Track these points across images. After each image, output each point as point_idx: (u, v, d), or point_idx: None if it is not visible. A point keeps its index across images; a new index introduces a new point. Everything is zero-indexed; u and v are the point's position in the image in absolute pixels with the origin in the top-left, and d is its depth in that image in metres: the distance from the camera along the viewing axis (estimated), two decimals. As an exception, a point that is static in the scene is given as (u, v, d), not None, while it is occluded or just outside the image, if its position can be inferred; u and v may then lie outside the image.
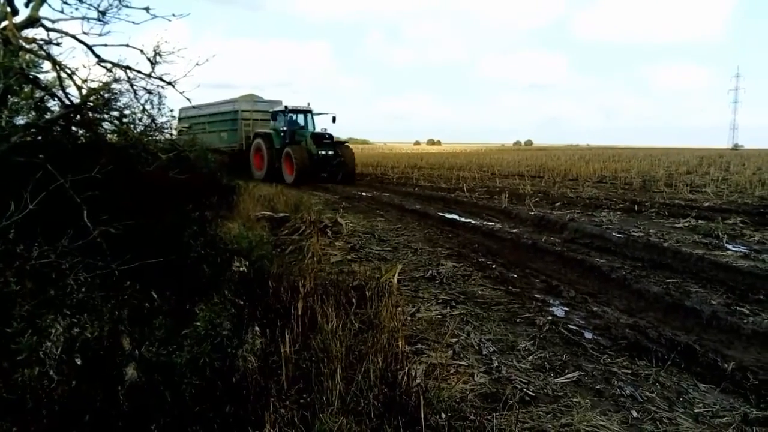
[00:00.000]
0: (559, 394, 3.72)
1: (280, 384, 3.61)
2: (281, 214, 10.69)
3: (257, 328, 3.86)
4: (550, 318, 5.33)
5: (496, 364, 4.17)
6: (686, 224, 11.17)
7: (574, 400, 3.61)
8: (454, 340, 4.63)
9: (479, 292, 6.25)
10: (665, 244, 8.94)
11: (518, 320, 5.31)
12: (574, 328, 5.08)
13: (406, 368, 3.64)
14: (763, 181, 20.28)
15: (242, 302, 4.31)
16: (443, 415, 3.26)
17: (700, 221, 11.43)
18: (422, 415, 3.04)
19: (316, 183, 20.16)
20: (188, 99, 5.87)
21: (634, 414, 3.48)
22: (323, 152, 20.70)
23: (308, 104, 22.44)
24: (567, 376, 4.01)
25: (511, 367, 4.14)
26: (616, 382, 3.94)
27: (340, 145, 21.52)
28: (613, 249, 8.73)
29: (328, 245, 8.45)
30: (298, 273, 6.11)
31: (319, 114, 22.72)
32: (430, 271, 7.07)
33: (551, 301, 5.96)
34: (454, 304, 5.72)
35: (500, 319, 5.32)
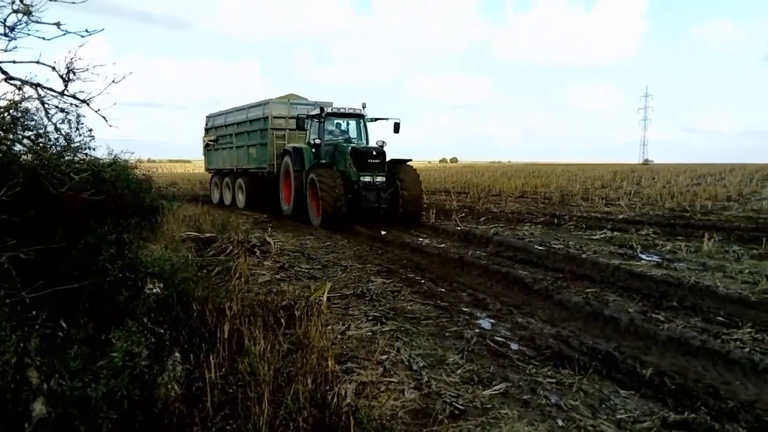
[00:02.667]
0: (488, 406, 3.76)
1: (205, 411, 3.48)
2: (207, 235, 10.40)
3: (178, 355, 3.70)
4: (477, 331, 5.42)
5: (425, 379, 4.18)
6: (602, 236, 11.67)
7: (502, 411, 3.67)
8: (384, 356, 4.62)
9: (408, 307, 6.28)
10: (584, 256, 9.31)
11: (447, 334, 5.36)
12: (501, 339, 5.18)
13: (336, 388, 3.59)
14: (673, 194, 21.52)
15: (162, 328, 4.14)
16: (374, 434, 3.23)
17: (615, 233, 11.98)
18: (353, 436, 3.00)
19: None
20: (104, 117, 5.61)
21: (560, 423, 3.56)
22: (368, 178, 13.41)
23: (363, 106, 14.98)
24: (495, 387, 4.07)
25: (440, 381, 4.17)
26: (541, 391, 4.04)
27: (396, 167, 13.89)
28: (535, 261, 9.01)
29: (257, 265, 8.28)
30: (225, 294, 5.95)
31: (375, 120, 15.33)
32: (360, 288, 7.05)
33: (478, 314, 6.06)
34: (384, 320, 5.71)
35: (429, 333, 5.35)
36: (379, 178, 13.52)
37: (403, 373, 4.31)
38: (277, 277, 7.53)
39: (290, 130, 16.68)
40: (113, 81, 5.56)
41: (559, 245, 10.22)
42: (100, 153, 11.16)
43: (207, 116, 21.45)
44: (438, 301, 6.52)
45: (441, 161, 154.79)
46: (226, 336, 4.46)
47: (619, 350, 4.86)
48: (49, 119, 5.67)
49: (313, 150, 14.44)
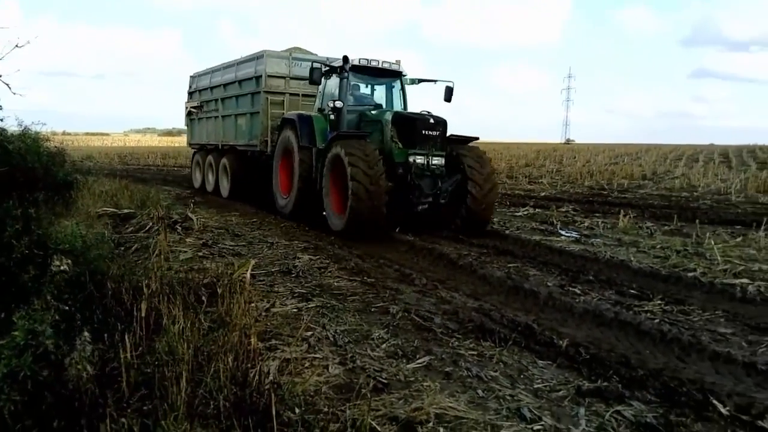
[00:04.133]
0: (411, 379, 3.81)
1: (120, 392, 3.34)
2: (125, 211, 9.97)
3: (87, 334, 3.53)
4: (403, 306, 5.46)
5: (350, 354, 4.18)
6: (525, 213, 12.04)
7: (425, 384, 3.72)
8: (309, 333, 4.58)
9: (335, 283, 6.26)
10: (507, 232, 9.57)
11: (373, 309, 5.38)
12: (426, 314, 5.24)
13: (258, 366, 3.53)
14: (592, 173, 22.42)
15: (72, 307, 3.93)
16: (297, 410, 3.20)
17: (537, 210, 12.38)
18: (274, 413, 2.96)
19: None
20: (7, 84, 5.24)
21: (480, 393, 3.65)
22: (420, 159, 9.33)
23: (396, 62, 10.99)
24: (418, 361, 4.12)
25: (365, 356, 4.18)
26: (463, 363, 4.12)
27: (460, 148, 9.79)
28: (460, 237, 9.16)
29: (178, 242, 8.02)
30: (143, 272, 5.73)
31: (417, 81, 11.34)
32: (286, 265, 6.97)
33: (404, 289, 6.11)
34: (310, 297, 5.67)
35: (355, 309, 5.36)
36: (437, 160, 9.33)
37: (328, 349, 4.29)
38: (200, 254, 7.33)
39: (292, 94, 12.93)
40: (17, 45, 5.17)
41: (484, 222, 10.42)
42: (8, 124, 10.44)
43: (191, 76, 17.56)
44: (365, 277, 6.53)
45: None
46: (143, 315, 4.28)
47: (538, 322, 5.03)
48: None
49: (332, 117, 10.31)
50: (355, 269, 6.91)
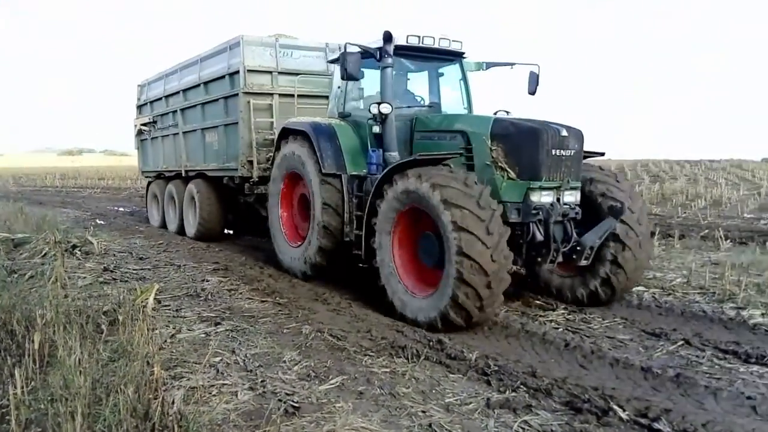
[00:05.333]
0: (323, 401, 3.76)
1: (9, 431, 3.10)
2: (19, 235, 9.33)
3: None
4: (316, 326, 5.40)
5: (261, 378, 4.08)
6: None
7: (337, 405, 3.68)
8: (217, 358, 4.44)
9: (246, 305, 6.12)
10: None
11: (285, 331, 5.29)
12: (339, 333, 5.21)
13: (161, 396, 3.37)
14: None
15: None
16: (203, 441, 3.09)
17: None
18: (178, 445, 2.83)
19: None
20: None
21: (392, 411, 3.65)
22: (548, 196, 5.77)
23: (456, 41, 7.25)
24: (331, 381, 4.08)
25: (276, 380, 4.09)
26: (376, 382, 4.12)
27: (598, 176, 6.34)
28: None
29: (77, 267, 7.59)
30: (38, 301, 5.39)
31: (486, 66, 7.83)
32: (194, 288, 6.75)
33: (318, 309, 6.05)
34: (219, 320, 5.51)
35: (267, 331, 5.25)
36: (571, 195, 5.95)
37: (237, 374, 4.17)
38: (101, 280, 6.98)
39: (282, 95, 9.48)
40: None
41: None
42: None
43: (139, 85, 13.83)
44: (277, 298, 6.43)
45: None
46: (36, 347, 4.02)
47: (449, 336, 5.10)
48: None
49: (376, 129, 6.84)
50: (267, 290, 6.78)
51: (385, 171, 6.03)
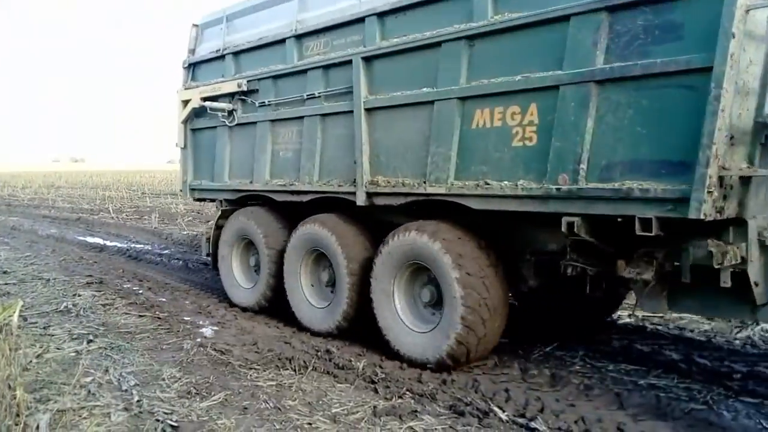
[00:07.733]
0: (204, 418, 3.60)
1: None
2: None
3: None
4: (199, 340, 5.19)
5: (137, 398, 3.85)
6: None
7: (219, 422, 3.54)
8: (89, 378, 4.15)
9: (122, 321, 5.79)
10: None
11: (165, 347, 5.05)
12: (223, 347, 5.03)
13: (22, 422, 3.09)
14: None
15: None
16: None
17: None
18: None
19: None
20: None
21: (277, 426, 3.56)
22: None
23: None
24: (213, 398, 3.92)
25: (154, 398, 3.88)
26: (261, 395, 4.00)
27: None
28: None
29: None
30: None
31: None
32: (65, 304, 6.28)
33: (201, 323, 5.83)
34: (92, 338, 5.18)
35: (145, 348, 4.98)
36: None
37: (111, 394, 3.91)
38: (-46, 297, 6.31)
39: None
40: None
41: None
42: None
43: (197, 25, 7.17)
44: (157, 312, 6.13)
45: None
46: None
47: (336, 346, 5.08)
48: None
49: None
50: (146, 304, 6.45)
51: None
